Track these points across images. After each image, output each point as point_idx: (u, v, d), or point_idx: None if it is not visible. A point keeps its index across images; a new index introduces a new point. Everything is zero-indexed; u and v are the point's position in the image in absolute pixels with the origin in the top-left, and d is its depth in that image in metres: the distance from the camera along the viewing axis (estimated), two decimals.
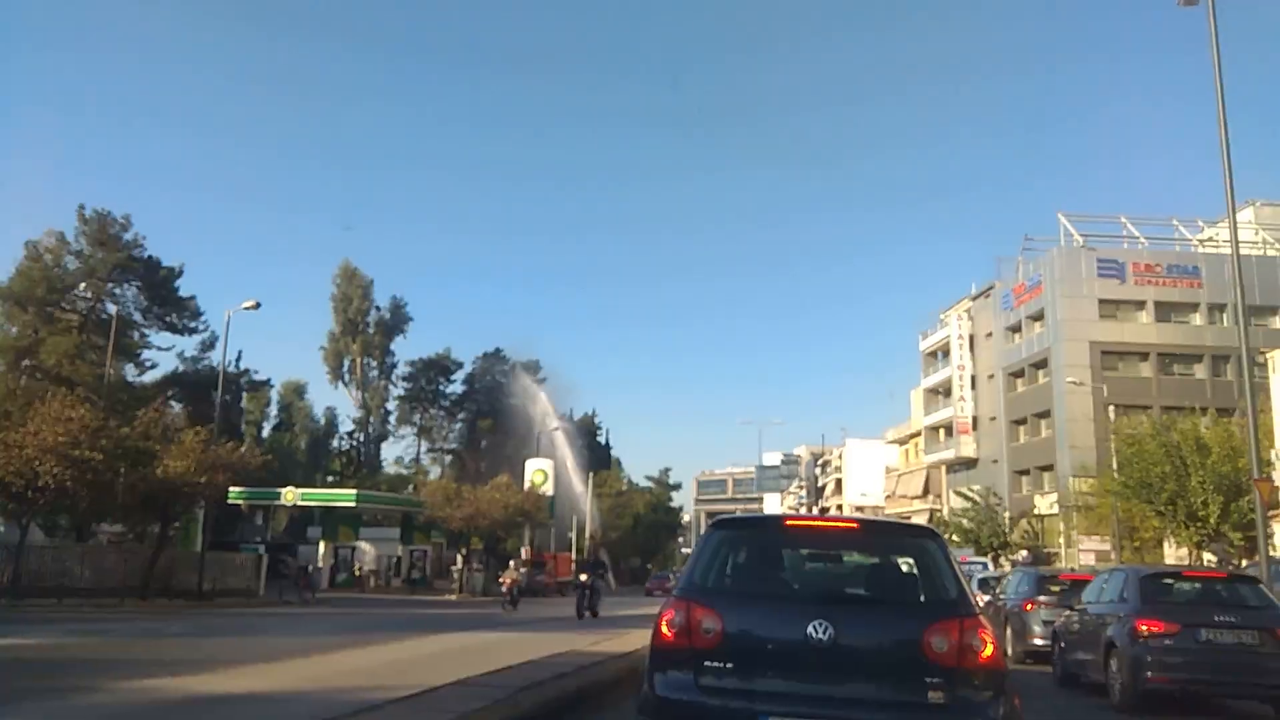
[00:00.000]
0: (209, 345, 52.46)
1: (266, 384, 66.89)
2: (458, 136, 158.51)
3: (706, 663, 4.64)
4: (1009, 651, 14.96)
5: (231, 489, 37.81)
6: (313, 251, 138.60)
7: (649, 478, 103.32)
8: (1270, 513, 22.43)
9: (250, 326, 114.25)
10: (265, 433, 66.09)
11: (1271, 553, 20.19)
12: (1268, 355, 32.85)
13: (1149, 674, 9.49)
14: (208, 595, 30.26)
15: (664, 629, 4.82)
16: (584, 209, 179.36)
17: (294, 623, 21.35)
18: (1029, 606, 15.46)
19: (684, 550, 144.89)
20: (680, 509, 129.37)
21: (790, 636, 4.58)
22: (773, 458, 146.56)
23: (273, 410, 69.60)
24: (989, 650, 4.56)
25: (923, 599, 4.99)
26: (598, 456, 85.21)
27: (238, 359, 61.25)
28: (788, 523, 6.80)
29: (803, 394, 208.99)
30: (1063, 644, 12.51)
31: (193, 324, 51.34)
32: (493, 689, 6.05)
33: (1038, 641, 14.65)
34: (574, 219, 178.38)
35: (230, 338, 58.40)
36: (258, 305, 35.03)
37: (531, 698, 5.87)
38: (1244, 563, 29.84)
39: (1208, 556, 32.12)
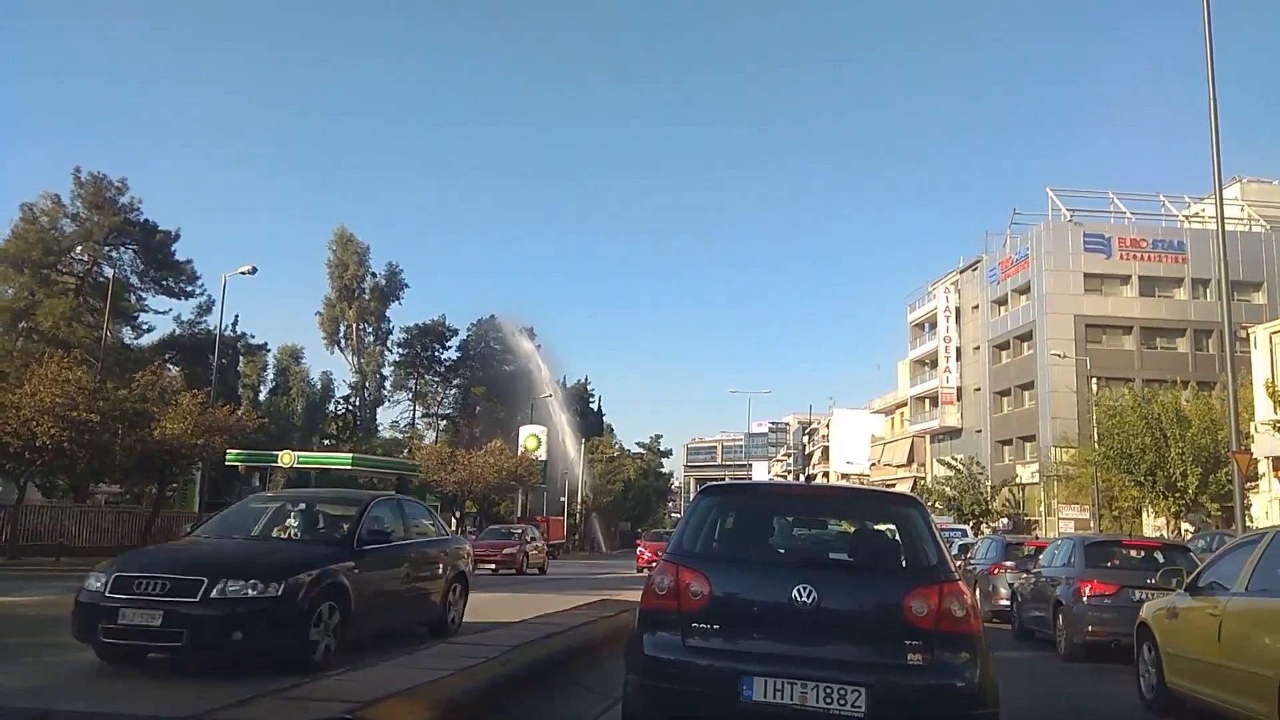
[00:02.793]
0: (206, 309, 52.68)
1: (263, 348, 67.16)
2: (454, 109, 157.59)
3: (694, 624, 4.77)
4: None
5: (229, 451, 38.45)
6: (310, 216, 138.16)
7: (640, 444, 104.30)
8: (1247, 484, 23.33)
9: (247, 291, 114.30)
10: (262, 396, 66.52)
11: (1249, 523, 21.03)
12: (1250, 330, 33.56)
13: (1089, 628, 10.49)
14: None
15: (654, 591, 4.95)
16: (580, 161, 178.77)
17: None
18: (996, 570, 16.36)
19: (674, 515, 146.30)
20: (670, 475, 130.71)
21: (775, 600, 4.73)
22: (761, 426, 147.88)
23: (269, 374, 69.90)
24: (967, 614, 4.69)
25: (904, 564, 5.12)
26: (590, 423, 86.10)
27: (234, 323, 61.57)
28: (775, 490, 7.48)
29: (792, 365, 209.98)
30: (1019, 602, 13.44)
31: (189, 288, 51.50)
32: (482, 648, 6.21)
33: (1003, 602, 15.53)
34: (570, 186, 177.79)
35: (227, 301, 58.92)
36: (254, 270, 35.54)
37: (522, 656, 6.08)
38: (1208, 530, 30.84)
39: (1185, 526, 33.06)
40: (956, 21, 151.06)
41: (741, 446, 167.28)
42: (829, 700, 4.41)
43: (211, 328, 48.56)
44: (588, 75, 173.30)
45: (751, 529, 5.59)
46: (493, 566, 26.72)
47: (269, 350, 68.10)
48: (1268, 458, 29.45)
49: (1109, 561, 11.30)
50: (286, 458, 44.79)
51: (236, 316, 62.33)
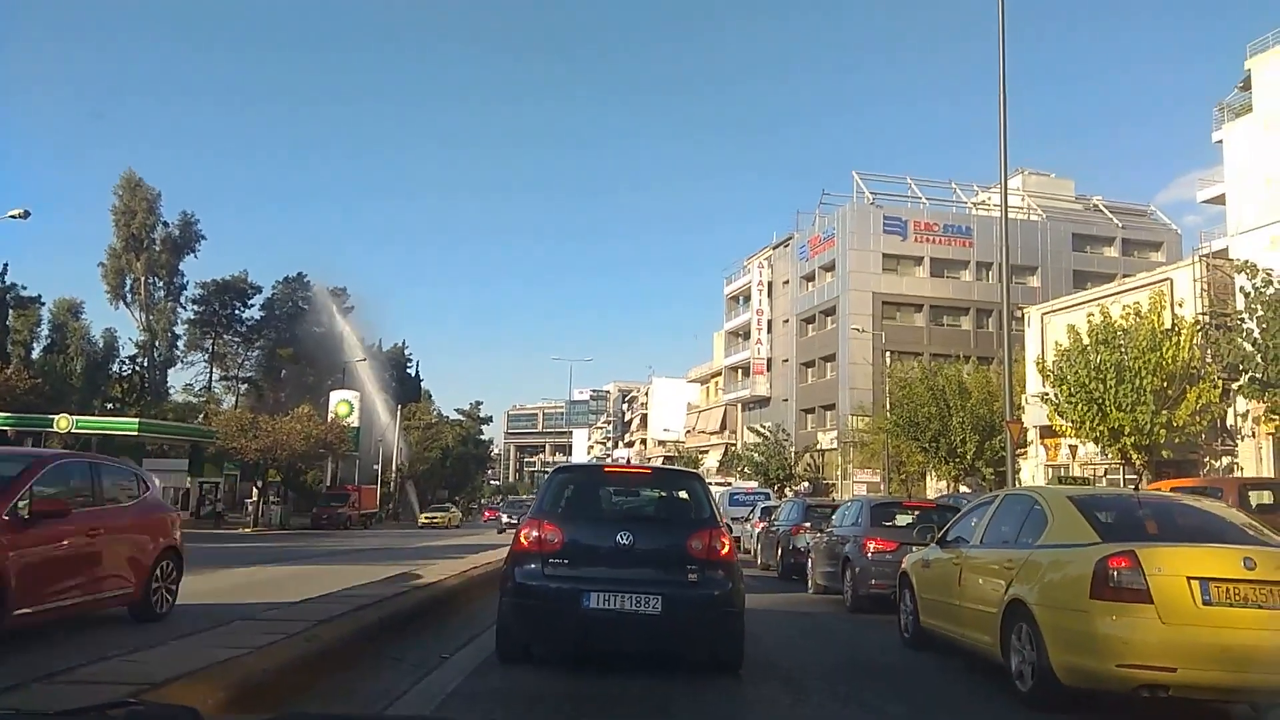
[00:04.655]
0: None
1: (36, 301, 60.94)
2: (261, 49, 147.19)
3: (551, 560, 6.81)
4: (780, 567, 17.63)
5: None
6: (92, 157, 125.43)
7: (459, 410, 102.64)
8: (1018, 450, 25.86)
9: (17, 237, 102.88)
10: (35, 355, 60.30)
11: (1018, 485, 23.28)
12: (1024, 311, 36.92)
13: (872, 582, 11.43)
14: None
15: (523, 539, 7.00)
16: (397, 127, 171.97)
17: None
18: (796, 531, 17.40)
19: (493, 482, 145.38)
20: (490, 442, 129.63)
21: (605, 544, 6.88)
22: (583, 394, 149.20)
23: (44, 330, 63.42)
24: (726, 549, 6.99)
25: (690, 518, 7.42)
26: (408, 388, 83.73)
27: (3, 272, 55.47)
28: (605, 469, 11.20)
29: (615, 334, 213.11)
30: (812, 559, 14.42)
31: None
32: (285, 623, 6.02)
33: (803, 560, 16.60)
34: (385, 138, 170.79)
35: None
36: (26, 214, 32.14)
37: (329, 631, 5.97)
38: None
39: (963, 488, 36.17)
40: (780, 6, 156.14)
41: (563, 414, 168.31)
42: (638, 605, 6.54)
43: None
44: (429, 36, 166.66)
45: (589, 496, 7.95)
46: None
47: (43, 304, 61.86)
48: (1036, 427, 32.70)
49: (891, 521, 12.33)
50: (63, 422, 40.97)
51: (5, 265, 55.81)
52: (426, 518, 57.64)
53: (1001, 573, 6.71)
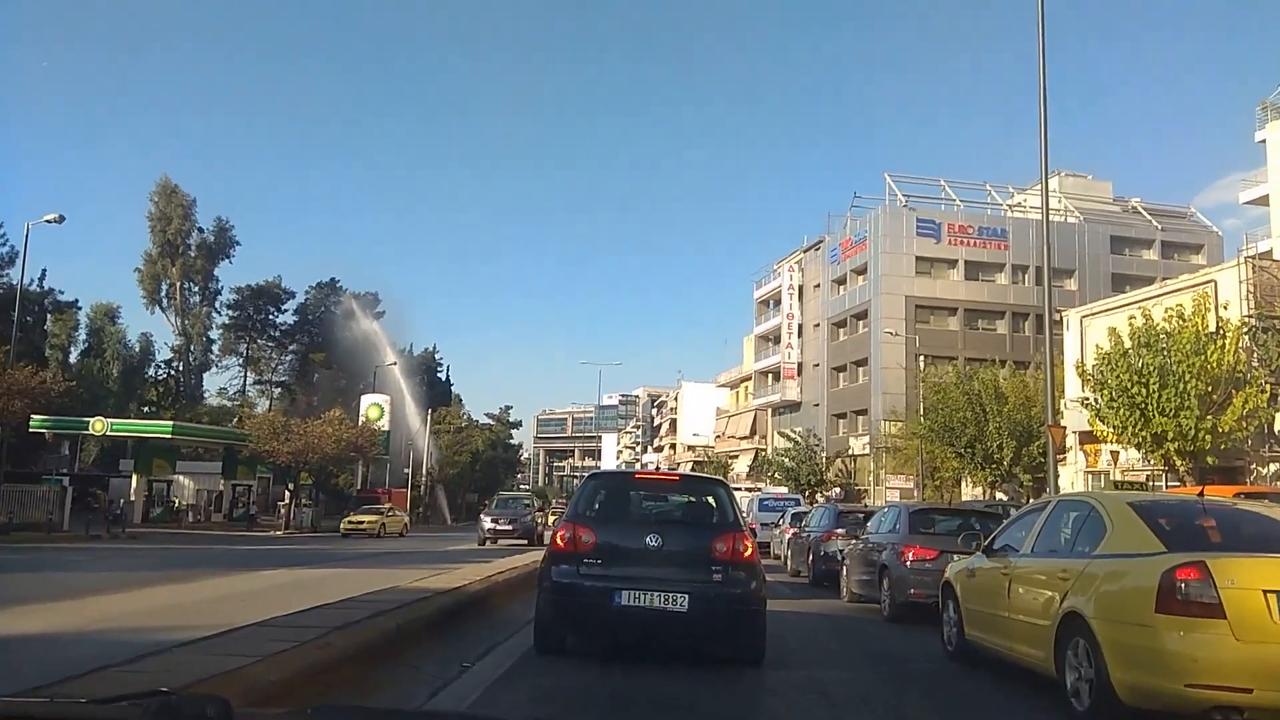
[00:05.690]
0: (8, 261, 47.96)
1: (74, 306, 61.81)
2: (296, 59, 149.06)
3: (585, 560, 7.28)
4: (811, 573, 17.28)
5: (33, 417, 35.27)
6: (130, 163, 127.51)
7: (489, 415, 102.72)
8: (1057, 456, 25.17)
9: (55, 242, 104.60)
10: (73, 358, 61.18)
11: (1059, 492, 22.56)
12: (1063, 314, 36.11)
13: (911, 590, 11.00)
14: (3, 529, 28.36)
15: (559, 541, 7.49)
16: (432, 139, 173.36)
17: (97, 558, 20.46)
18: (828, 537, 16.98)
19: (523, 487, 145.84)
20: (520, 446, 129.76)
21: (635, 544, 7.31)
22: (611, 399, 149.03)
23: (81, 334, 64.31)
24: (749, 551, 7.43)
25: (714, 521, 7.84)
26: (438, 393, 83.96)
27: (41, 278, 56.32)
28: (635, 476, 11.98)
29: (644, 338, 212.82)
30: (847, 566, 13.99)
31: None
32: (303, 629, 5.86)
33: (835, 567, 16.20)
34: (420, 149, 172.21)
35: (33, 254, 53.73)
36: (61, 219, 32.67)
37: (345, 639, 5.76)
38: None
39: (1000, 495, 35.42)
40: (813, 15, 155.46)
41: (592, 418, 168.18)
42: (665, 602, 6.99)
43: (15, 282, 44.12)
44: (464, 46, 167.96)
45: (621, 500, 8.43)
46: None
47: (80, 309, 62.76)
48: (1075, 433, 31.92)
49: (931, 528, 11.89)
50: (98, 425, 41.51)
51: (44, 271, 56.67)
52: (349, 523, 40.23)
53: (1055, 584, 6.30)
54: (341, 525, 40.53)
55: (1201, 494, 6.75)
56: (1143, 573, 5.40)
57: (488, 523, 31.16)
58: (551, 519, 29.74)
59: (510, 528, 30.18)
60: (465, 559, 18.50)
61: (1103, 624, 5.55)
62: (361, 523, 39.88)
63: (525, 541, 28.59)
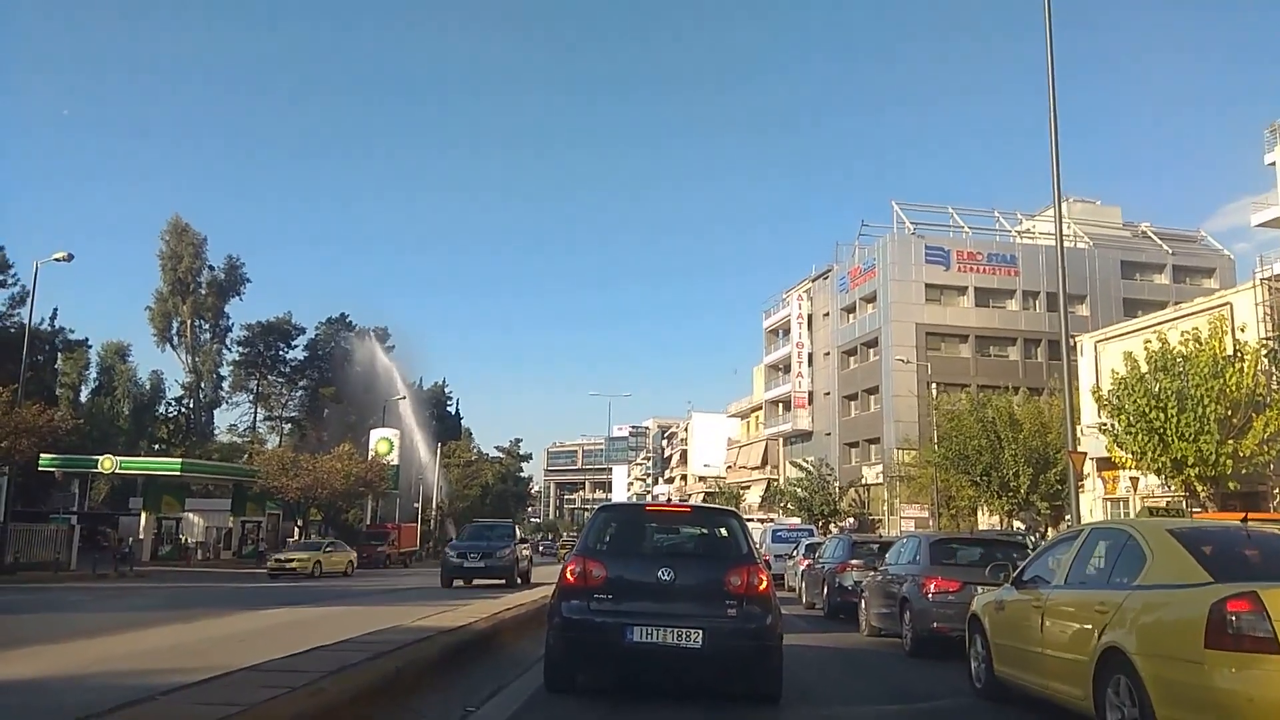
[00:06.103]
0: (19, 300, 48.14)
1: (84, 344, 62.01)
2: (306, 96, 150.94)
3: (595, 595, 7.05)
4: (826, 606, 16.88)
5: (42, 455, 35.15)
6: (138, 204, 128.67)
7: (499, 448, 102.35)
8: (1078, 483, 24.66)
9: (65, 281, 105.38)
10: (83, 397, 61.27)
11: (1079, 520, 22.09)
12: (1076, 339, 35.71)
13: (934, 624, 10.63)
14: (9, 569, 28.13)
15: (569, 575, 7.23)
16: (439, 173, 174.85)
17: (101, 598, 20.19)
18: (843, 569, 16.58)
19: (533, 520, 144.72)
20: (530, 479, 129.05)
21: (647, 579, 7.11)
22: (622, 430, 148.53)
23: (92, 373, 64.50)
24: (764, 584, 7.21)
25: (728, 554, 7.56)
26: (448, 426, 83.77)
27: (53, 316, 56.60)
28: (646, 508, 10.96)
29: (653, 369, 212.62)
30: (865, 599, 13.60)
31: (2, 276, 46.99)
32: (295, 674, 5.60)
33: (851, 599, 15.79)
34: (428, 184, 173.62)
35: (42, 292, 53.95)
36: (70, 257, 32.71)
37: (339, 684, 5.48)
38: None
39: (1017, 524, 34.81)
40: (819, 47, 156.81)
41: (602, 450, 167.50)
42: (679, 639, 6.79)
43: (24, 321, 44.25)
44: (469, 79, 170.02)
45: (632, 533, 8.18)
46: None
47: (90, 347, 62.95)
48: (1093, 459, 31.39)
49: (952, 559, 11.51)
50: (107, 463, 41.37)
51: (55, 309, 57.01)
52: (276, 562, 33.10)
53: (1093, 617, 5.94)
54: (268, 564, 33.65)
55: (1245, 519, 6.41)
56: (1189, 604, 5.06)
57: (454, 557, 24.53)
58: (562, 552, 27.95)
59: (483, 564, 23.95)
60: (478, 595, 17.94)
61: (1146, 660, 5.22)
62: (289, 561, 32.72)
63: (503, 582, 23.45)
